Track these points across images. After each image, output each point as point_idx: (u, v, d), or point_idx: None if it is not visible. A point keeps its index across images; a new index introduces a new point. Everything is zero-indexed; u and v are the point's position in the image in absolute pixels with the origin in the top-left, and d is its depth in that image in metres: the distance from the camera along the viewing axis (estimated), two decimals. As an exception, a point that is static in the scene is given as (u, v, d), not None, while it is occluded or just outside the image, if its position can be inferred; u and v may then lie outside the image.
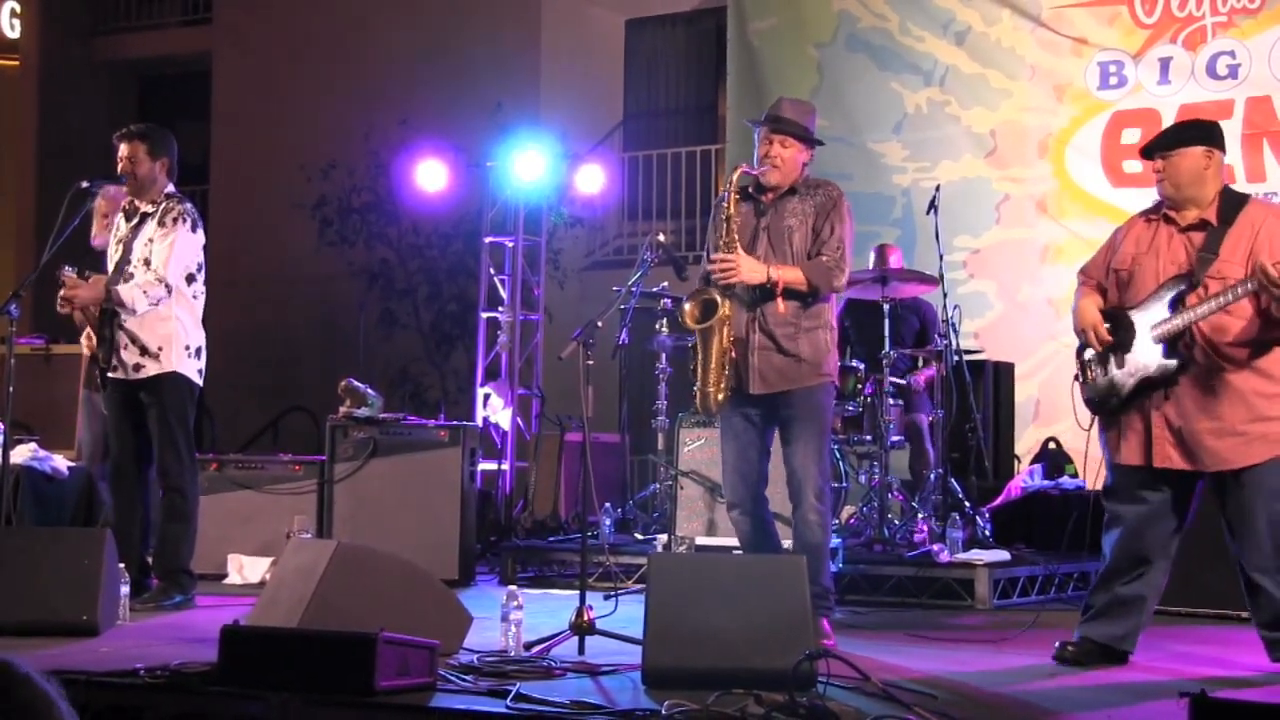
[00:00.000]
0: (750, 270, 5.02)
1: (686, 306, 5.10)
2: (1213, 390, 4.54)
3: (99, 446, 7.09)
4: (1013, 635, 5.35)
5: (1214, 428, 4.52)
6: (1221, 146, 4.73)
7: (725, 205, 5.12)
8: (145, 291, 5.89)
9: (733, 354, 5.05)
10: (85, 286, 5.90)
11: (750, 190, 5.26)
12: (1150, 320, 4.60)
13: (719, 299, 5.03)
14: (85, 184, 6.03)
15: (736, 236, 5.08)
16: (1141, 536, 4.67)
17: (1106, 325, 4.71)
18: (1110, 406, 4.71)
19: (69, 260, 6.08)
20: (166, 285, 5.92)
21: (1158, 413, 4.60)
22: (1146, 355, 4.61)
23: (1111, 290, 4.79)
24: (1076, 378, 4.86)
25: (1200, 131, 4.78)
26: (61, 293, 5.90)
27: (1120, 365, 4.68)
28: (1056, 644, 4.76)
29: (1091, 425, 4.83)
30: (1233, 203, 4.65)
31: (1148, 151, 4.78)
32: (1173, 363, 4.55)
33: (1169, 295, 4.58)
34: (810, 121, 5.25)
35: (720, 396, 5.04)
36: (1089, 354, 4.79)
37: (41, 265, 5.93)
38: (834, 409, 6.28)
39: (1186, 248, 4.63)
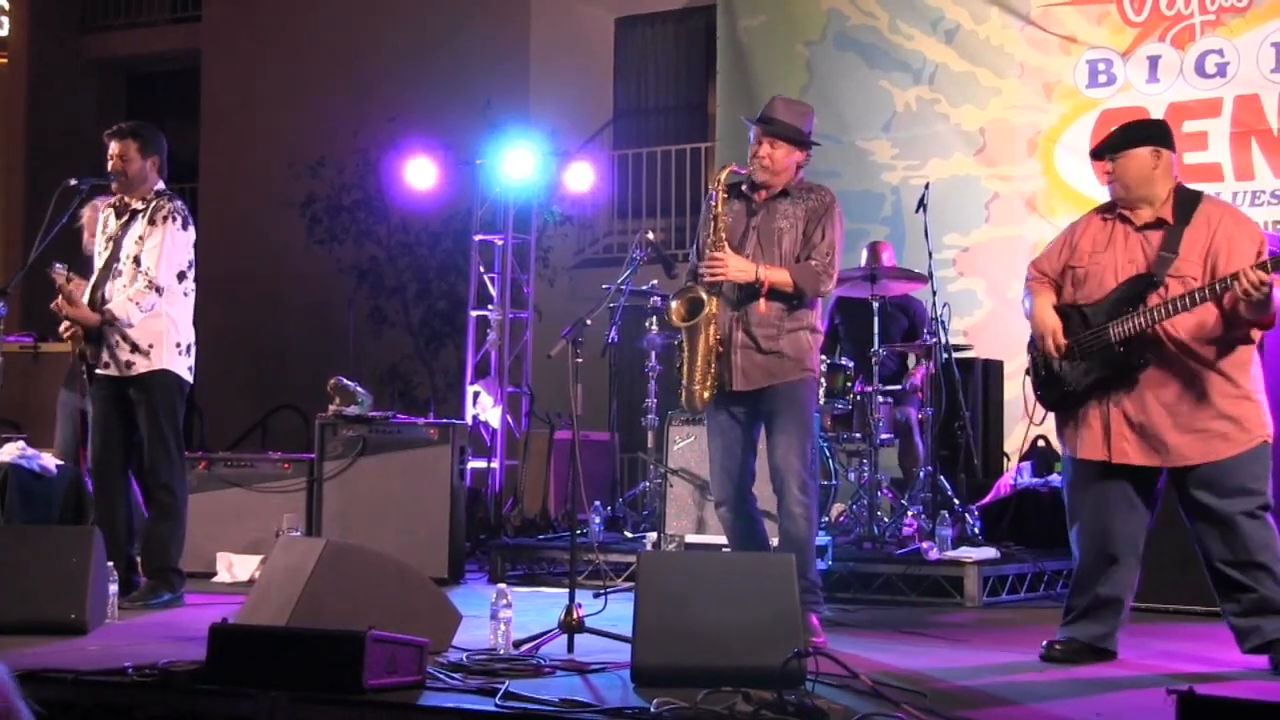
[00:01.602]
0: (739, 269, 5.03)
1: (673, 304, 5.12)
2: (1175, 387, 4.57)
3: (70, 447, 7.07)
4: (1001, 632, 5.36)
5: (1176, 424, 4.55)
6: (1169, 145, 4.75)
7: (713, 204, 5.13)
8: (138, 303, 5.87)
9: (720, 351, 5.06)
10: (80, 310, 5.88)
11: (743, 189, 5.27)
12: (1109, 318, 4.62)
13: (705, 297, 5.05)
14: (74, 182, 6.01)
15: (724, 235, 5.09)
16: (1106, 533, 4.69)
17: (1061, 327, 4.74)
18: (1066, 402, 4.74)
19: (58, 259, 6.07)
20: (157, 288, 5.90)
21: (1116, 408, 4.62)
22: (1105, 352, 4.62)
23: (1066, 287, 4.81)
24: (1027, 372, 4.89)
25: (1146, 132, 4.82)
26: (55, 304, 5.87)
27: (1075, 362, 4.70)
28: (1044, 644, 4.77)
29: (1042, 420, 4.87)
30: (1187, 201, 4.68)
31: (1097, 153, 4.82)
32: (1133, 361, 4.58)
33: (1130, 294, 4.61)
34: (806, 123, 5.24)
35: (706, 394, 5.06)
36: (1040, 351, 4.81)
37: (29, 263, 5.92)
38: (820, 406, 6.30)
39: (1143, 246, 4.66)
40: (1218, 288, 4.41)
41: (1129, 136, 4.77)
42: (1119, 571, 4.71)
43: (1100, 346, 4.63)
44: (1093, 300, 4.70)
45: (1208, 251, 4.55)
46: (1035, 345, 4.85)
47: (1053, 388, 4.78)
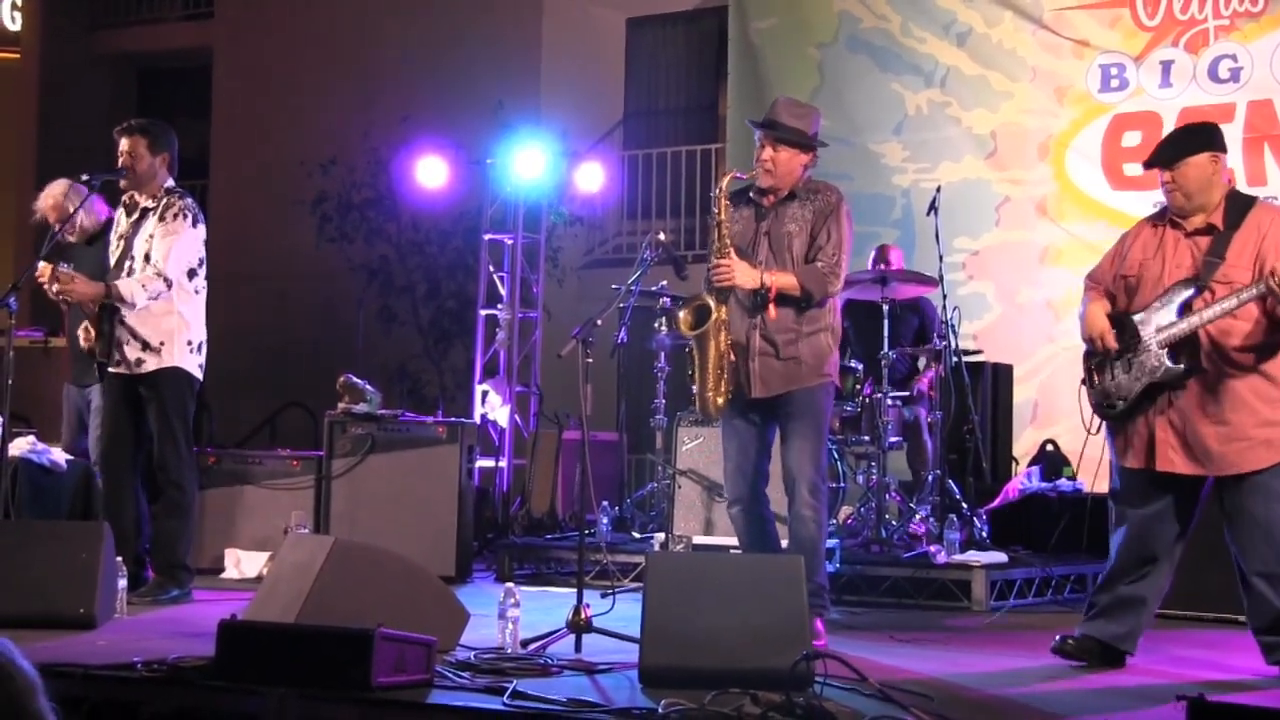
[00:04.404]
0: (744, 275, 5.03)
1: (680, 315, 5.12)
2: (1218, 395, 4.53)
3: (75, 442, 7.07)
4: (1009, 637, 5.36)
5: (1219, 432, 4.52)
6: (1223, 148, 4.73)
7: (717, 211, 5.13)
8: (144, 286, 5.89)
9: (732, 357, 5.05)
10: (82, 282, 5.89)
11: (751, 194, 5.27)
12: (1156, 324, 4.60)
13: (712, 304, 5.04)
14: (85, 177, 6.03)
15: (729, 241, 5.09)
16: (1146, 538, 4.68)
17: (1113, 332, 4.71)
18: (1117, 410, 4.71)
19: (67, 254, 6.07)
20: (165, 279, 5.92)
21: (1162, 417, 4.60)
22: (1152, 360, 4.60)
23: (1120, 296, 4.78)
24: (1084, 382, 4.86)
25: (1203, 138, 4.75)
26: (56, 287, 5.88)
27: (1126, 370, 4.68)
28: (1056, 637, 4.76)
29: (1099, 429, 4.83)
30: (1239, 206, 4.64)
31: (1154, 163, 4.72)
32: (1179, 367, 4.55)
33: (1176, 300, 4.58)
34: (811, 124, 5.23)
35: (720, 400, 5.06)
36: (1096, 358, 4.79)
37: (40, 258, 5.93)
38: (833, 409, 6.29)
39: (1193, 252, 4.63)
40: (1257, 288, 4.38)
41: (1188, 144, 4.69)
42: (1151, 573, 4.70)
43: (1146, 354, 4.61)
44: (1142, 307, 4.67)
45: (1257, 256, 4.51)
46: (1089, 354, 4.82)
47: (1106, 397, 4.75)
